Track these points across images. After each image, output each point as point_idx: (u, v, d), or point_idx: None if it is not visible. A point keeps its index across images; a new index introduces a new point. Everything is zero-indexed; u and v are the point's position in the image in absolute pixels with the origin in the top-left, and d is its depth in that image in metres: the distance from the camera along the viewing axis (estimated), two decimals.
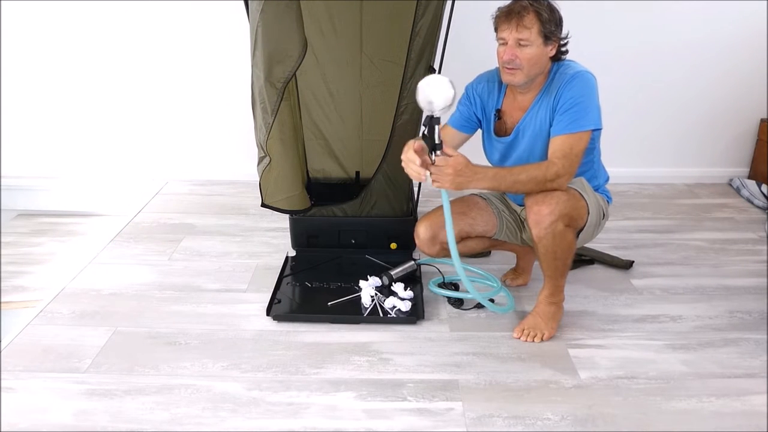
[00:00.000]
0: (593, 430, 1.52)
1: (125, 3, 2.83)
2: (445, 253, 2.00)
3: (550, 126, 1.74)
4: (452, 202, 1.97)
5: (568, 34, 1.74)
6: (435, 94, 1.54)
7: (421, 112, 2.08)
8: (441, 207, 1.95)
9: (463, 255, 2.09)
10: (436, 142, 1.59)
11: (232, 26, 2.60)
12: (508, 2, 1.72)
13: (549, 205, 1.67)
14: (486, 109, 1.90)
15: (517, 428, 1.53)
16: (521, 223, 1.99)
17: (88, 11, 2.86)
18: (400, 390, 1.66)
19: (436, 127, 1.57)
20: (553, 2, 1.71)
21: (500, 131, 1.88)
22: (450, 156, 1.59)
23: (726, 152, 3.13)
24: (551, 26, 1.67)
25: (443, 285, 2.11)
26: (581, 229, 1.80)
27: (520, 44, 1.67)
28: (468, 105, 1.92)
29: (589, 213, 1.78)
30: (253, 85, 1.94)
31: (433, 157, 1.59)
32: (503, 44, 1.71)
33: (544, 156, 1.76)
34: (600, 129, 1.75)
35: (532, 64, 1.70)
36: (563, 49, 1.75)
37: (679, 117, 3.05)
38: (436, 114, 1.57)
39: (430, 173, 1.60)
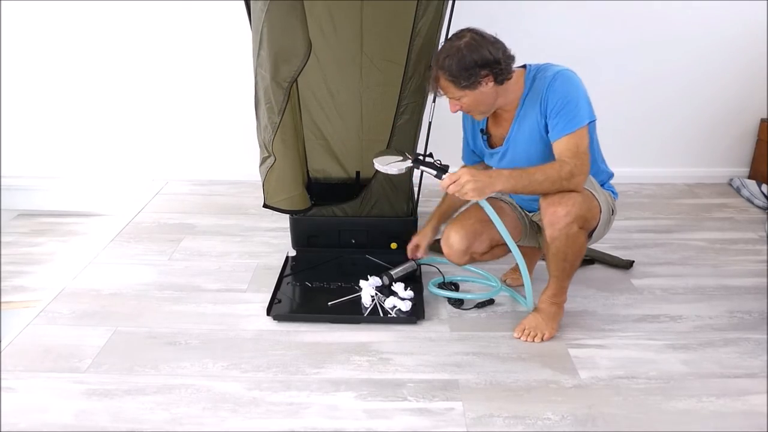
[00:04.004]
0: (593, 430, 1.52)
1: (125, 3, 2.83)
2: (471, 261, 2.00)
3: (544, 127, 1.74)
4: (480, 209, 1.90)
5: (499, 60, 1.66)
6: (390, 170, 1.79)
7: (421, 111, 2.09)
8: (470, 214, 1.95)
9: (486, 262, 2.08)
10: (437, 166, 1.73)
11: (232, 26, 2.60)
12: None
13: (565, 207, 1.67)
14: (475, 132, 1.95)
15: (517, 428, 1.53)
16: (536, 227, 1.99)
17: (88, 11, 2.86)
18: (400, 390, 1.66)
19: (426, 162, 1.74)
20: (473, 37, 1.66)
21: (494, 145, 1.91)
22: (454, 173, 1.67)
23: (726, 152, 3.13)
24: (461, 78, 1.66)
25: (443, 285, 2.11)
26: (594, 229, 1.80)
27: (454, 98, 1.74)
28: (465, 138, 2.01)
29: (601, 211, 1.78)
30: (257, 85, 1.93)
31: (444, 177, 1.68)
32: None
33: (542, 157, 1.76)
34: (594, 120, 1.74)
35: (477, 105, 1.74)
36: (501, 76, 1.69)
37: (679, 117, 3.05)
38: (406, 168, 1.77)
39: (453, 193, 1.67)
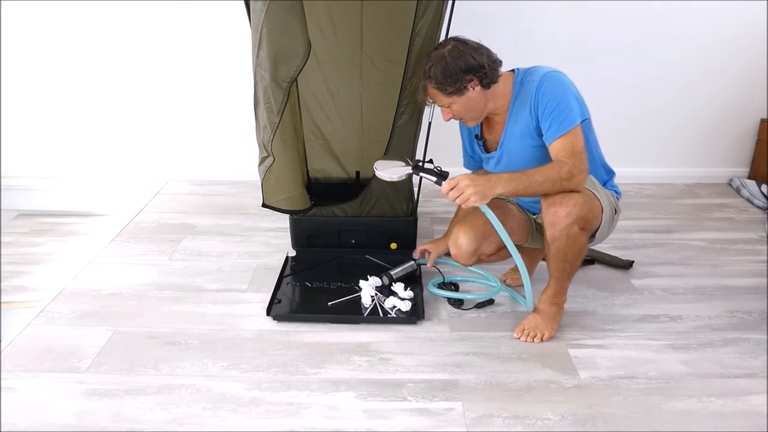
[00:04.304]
0: (593, 430, 1.52)
1: (125, 3, 2.83)
2: (478, 262, 2.02)
3: (535, 129, 1.75)
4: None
5: (483, 64, 1.69)
6: (390, 177, 1.81)
7: (421, 111, 2.09)
8: (478, 216, 1.91)
9: (493, 263, 2.08)
10: (437, 172, 1.74)
11: (232, 26, 2.59)
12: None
13: (566, 207, 1.68)
14: (471, 138, 1.98)
15: (517, 428, 1.53)
16: (541, 228, 2.00)
17: (88, 11, 2.86)
18: (400, 390, 1.66)
19: (425, 169, 1.76)
20: (456, 44, 1.69)
21: (489, 150, 1.93)
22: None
23: (726, 152, 3.13)
24: (447, 85, 1.69)
25: (443, 285, 2.11)
26: (597, 229, 1.80)
27: (444, 106, 1.77)
28: (464, 145, 2.04)
29: (603, 211, 1.78)
30: (257, 85, 1.94)
31: (444, 184, 1.68)
32: None
33: (536, 159, 1.77)
34: (588, 118, 1.75)
35: (467, 111, 1.77)
36: (486, 80, 1.71)
37: (679, 117, 3.05)
38: (406, 175, 1.79)
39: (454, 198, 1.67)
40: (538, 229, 2.02)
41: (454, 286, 2.13)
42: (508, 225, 1.89)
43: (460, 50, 1.69)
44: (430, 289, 2.08)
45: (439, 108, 1.80)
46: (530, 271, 2.14)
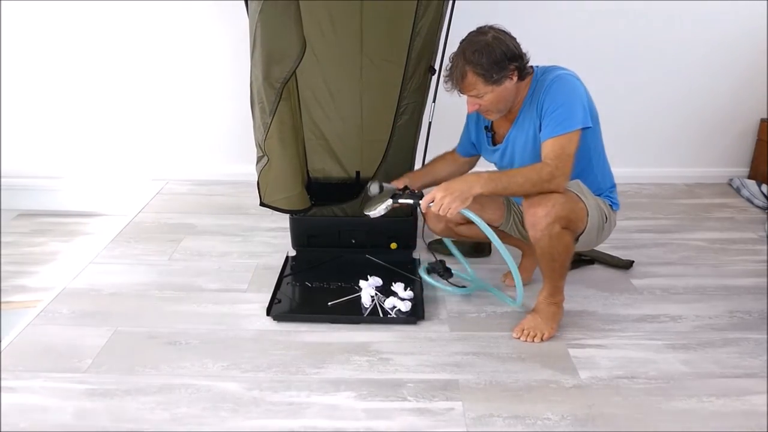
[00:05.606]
0: (593, 430, 1.52)
1: (125, 3, 2.83)
2: (449, 232, 2.04)
3: (539, 128, 1.75)
4: None
5: (524, 54, 1.72)
6: (377, 212, 1.84)
7: (421, 111, 2.09)
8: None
9: (469, 238, 2.10)
10: (410, 193, 1.82)
11: (233, 26, 2.60)
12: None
13: (545, 207, 1.68)
14: (479, 127, 1.97)
15: (517, 428, 1.53)
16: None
17: (88, 11, 2.86)
18: (400, 390, 1.66)
19: (401, 195, 1.84)
20: (496, 32, 1.70)
21: (496, 142, 1.93)
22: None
23: (726, 152, 3.14)
24: (493, 72, 1.67)
25: (433, 268, 2.12)
26: (582, 233, 1.79)
27: (476, 96, 1.73)
28: (466, 132, 2.03)
29: (588, 214, 1.77)
30: (252, 84, 1.94)
31: (421, 203, 1.74)
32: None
33: (538, 158, 1.76)
34: (590, 128, 1.73)
35: (497, 103, 1.75)
36: (523, 71, 1.73)
37: (678, 117, 3.05)
38: (388, 206, 1.83)
39: (430, 215, 1.75)
40: (520, 217, 2.01)
41: (442, 266, 2.11)
42: (479, 201, 1.77)
43: (502, 39, 1.69)
44: (421, 273, 2.10)
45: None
46: (530, 269, 2.15)
